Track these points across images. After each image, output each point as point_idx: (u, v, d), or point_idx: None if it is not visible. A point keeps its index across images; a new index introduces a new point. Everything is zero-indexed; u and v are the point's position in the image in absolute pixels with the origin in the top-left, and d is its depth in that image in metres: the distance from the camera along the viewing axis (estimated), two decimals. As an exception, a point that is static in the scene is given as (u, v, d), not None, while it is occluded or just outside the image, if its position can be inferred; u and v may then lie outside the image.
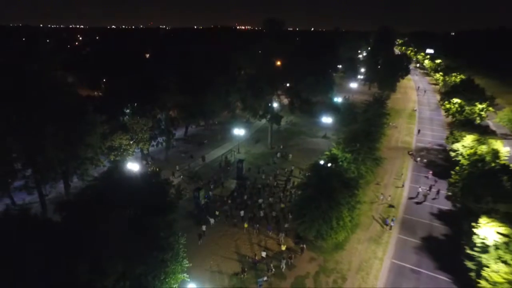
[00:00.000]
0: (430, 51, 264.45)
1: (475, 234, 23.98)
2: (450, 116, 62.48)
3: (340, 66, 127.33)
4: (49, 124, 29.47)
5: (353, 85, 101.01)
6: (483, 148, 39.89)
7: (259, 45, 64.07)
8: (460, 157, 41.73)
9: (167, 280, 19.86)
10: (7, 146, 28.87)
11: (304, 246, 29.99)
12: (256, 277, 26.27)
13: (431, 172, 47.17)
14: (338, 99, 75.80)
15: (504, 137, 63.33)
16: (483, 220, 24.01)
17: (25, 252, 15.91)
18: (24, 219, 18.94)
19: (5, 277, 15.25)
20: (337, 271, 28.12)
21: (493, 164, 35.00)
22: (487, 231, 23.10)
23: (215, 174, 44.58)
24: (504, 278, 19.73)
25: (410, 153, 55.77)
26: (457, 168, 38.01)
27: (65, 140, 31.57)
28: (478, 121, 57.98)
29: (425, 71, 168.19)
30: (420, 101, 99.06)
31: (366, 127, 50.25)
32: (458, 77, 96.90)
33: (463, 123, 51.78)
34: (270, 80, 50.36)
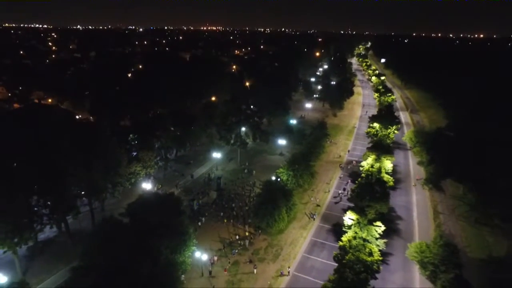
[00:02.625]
0: (383, 60, 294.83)
1: (344, 219, 45.42)
2: (370, 138, 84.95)
3: (301, 83, 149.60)
4: (101, 165, 47.69)
5: (308, 105, 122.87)
6: (376, 165, 62.02)
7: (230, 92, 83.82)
8: (363, 171, 63.57)
9: (186, 250, 39.12)
10: (75, 181, 46.62)
11: (260, 232, 50.29)
12: (231, 250, 46.21)
13: (350, 180, 69.05)
14: (293, 120, 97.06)
15: (409, 148, 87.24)
16: (348, 212, 45.45)
17: (125, 239, 34.73)
18: (115, 220, 37.70)
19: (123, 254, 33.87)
20: (278, 245, 48.58)
21: (377, 177, 57.04)
22: (348, 217, 44.51)
23: (202, 188, 63.98)
24: (347, 238, 40.89)
25: (341, 166, 77.67)
26: (359, 179, 59.73)
27: (108, 173, 49.88)
28: (388, 141, 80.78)
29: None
30: (362, 117, 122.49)
31: (306, 149, 71.80)
32: (390, 98, 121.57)
33: (374, 144, 74.20)
34: (238, 119, 70.46)
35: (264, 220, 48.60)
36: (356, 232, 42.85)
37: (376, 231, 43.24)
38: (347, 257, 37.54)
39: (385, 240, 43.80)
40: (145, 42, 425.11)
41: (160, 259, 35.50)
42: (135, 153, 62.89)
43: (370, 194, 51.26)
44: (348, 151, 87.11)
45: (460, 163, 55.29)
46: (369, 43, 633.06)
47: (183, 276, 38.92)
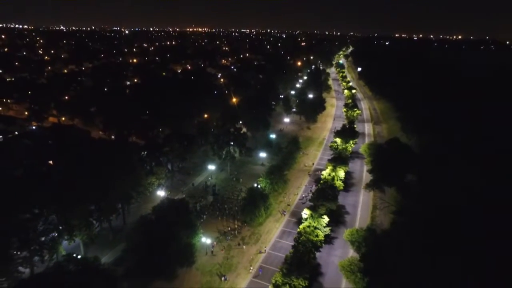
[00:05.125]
0: (359, 69, 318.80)
1: (301, 214, 66.26)
2: (332, 151, 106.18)
3: (281, 99, 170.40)
4: (130, 179, 66.84)
5: (287, 119, 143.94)
6: (332, 174, 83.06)
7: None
8: (322, 179, 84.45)
9: (195, 237, 58.83)
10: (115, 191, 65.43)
11: (245, 224, 70.49)
12: (225, 237, 66.35)
13: (315, 185, 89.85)
14: (273, 135, 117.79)
15: (362, 158, 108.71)
16: (305, 209, 66.25)
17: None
18: (149, 218, 57.14)
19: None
20: (258, 233, 68.89)
21: (330, 183, 78.08)
22: (303, 212, 65.35)
23: (201, 193, 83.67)
24: (303, 226, 61.53)
25: (309, 173, 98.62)
26: (319, 185, 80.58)
27: (135, 184, 69.07)
28: (347, 153, 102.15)
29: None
30: (331, 129, 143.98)
31: (282, 161, 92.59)
32: (355, 113, 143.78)
33: (334, 157, 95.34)
34: (227, 139, 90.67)
35: (248, 216, 68.91)
36: (310, 222, 63.54)
37: (324, 221, 64.02)
38: (301, 238, 58.16)
39: (330, 228, 64.74)
40: (134, 50, 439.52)
41: (181, 242, 55.26)
42: (148, 167, 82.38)
43: (323, 196, 72.27)
44: (312, 164, 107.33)
45: (388, 172, 76.85)
46: (350, 48, 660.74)
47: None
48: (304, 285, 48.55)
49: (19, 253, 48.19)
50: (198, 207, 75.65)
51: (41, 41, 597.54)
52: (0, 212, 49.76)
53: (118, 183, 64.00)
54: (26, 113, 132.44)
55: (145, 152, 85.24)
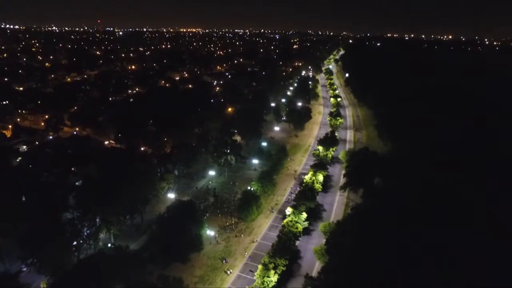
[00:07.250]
0: (347, 75, 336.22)
1: (286, 211, 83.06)
2: (315, 157, 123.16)
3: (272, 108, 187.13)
4: (148, 185, 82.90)
5: (277, 128, 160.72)
6: (313, 178, 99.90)
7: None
8: (304, 182, 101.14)
9: (202, 229, 75.13)
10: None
11: (240, 220, 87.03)
12: (225, 230, 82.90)
13: (299, 187, 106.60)
14: (264, 143, 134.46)
15: (341, 163, 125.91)
16: (288, 207, 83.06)
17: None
18: (166, 216, 73.41)
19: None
20: (251, 227, 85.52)
21: (310, 186, 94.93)
22: (287, 210, 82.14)
23: (204, 195, 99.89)
24: (286, 221, 78.22)
25: (295, 177, 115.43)
26: (301, 187, 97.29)
27: (151, 190, 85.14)
28: (327, 159, 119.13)
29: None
30: (317, 136, 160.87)
31: (271, 167, 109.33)
32: (338, 122, 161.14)
33: (315, 163, 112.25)
34: (224, 149, 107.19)
35: (243, 214, 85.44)
36: (292, 218, 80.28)
37: (303, 217, 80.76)
38: (284, 230, 74.91)
39: (308, 222, 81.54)
40: (131, 54, 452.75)
41: (191, 234, 71.51)
42: (159, 174, 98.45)
43: (304, 197, 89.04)
44: (295, 171, 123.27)
45: (358, 176, 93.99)
46: (341, 51, 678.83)
47: (201, 243, 75.01)
48: (285, 263, 65.31)
49: (72, 242, 64.15)
50: (202, 207, 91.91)
51: (37, 44, 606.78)
52: (52, 211, 65.94)
53: (139, 187, 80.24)
54: (42, 123, 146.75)
55: (156, 161, 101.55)
